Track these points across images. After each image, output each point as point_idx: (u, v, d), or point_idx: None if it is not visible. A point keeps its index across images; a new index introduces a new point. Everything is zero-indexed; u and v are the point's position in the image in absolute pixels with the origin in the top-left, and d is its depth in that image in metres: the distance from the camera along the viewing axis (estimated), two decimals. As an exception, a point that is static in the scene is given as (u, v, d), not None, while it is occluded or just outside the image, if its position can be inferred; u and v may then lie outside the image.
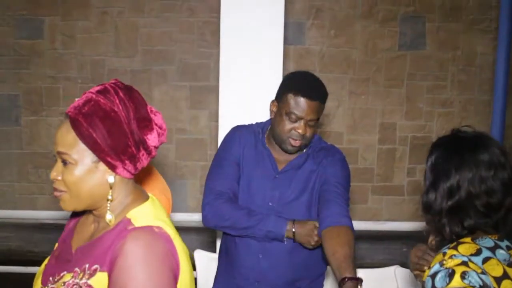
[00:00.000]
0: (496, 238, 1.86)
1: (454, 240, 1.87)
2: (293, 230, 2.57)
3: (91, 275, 1.60)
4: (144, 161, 1.67)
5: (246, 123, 2.91)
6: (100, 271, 1.59)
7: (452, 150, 1.92)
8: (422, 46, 6.17)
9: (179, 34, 6.03)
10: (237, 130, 2.82)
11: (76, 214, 1.88)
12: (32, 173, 6.07)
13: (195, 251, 3.44)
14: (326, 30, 6.12)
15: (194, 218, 4.79)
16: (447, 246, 1.84)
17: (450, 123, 6.18)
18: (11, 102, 6.01)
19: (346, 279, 2.29)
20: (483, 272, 1.72)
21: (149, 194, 1.79)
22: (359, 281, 2.34)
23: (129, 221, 1.63)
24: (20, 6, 5.99)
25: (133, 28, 6.04)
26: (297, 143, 2.61)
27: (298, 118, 2.58)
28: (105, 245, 1.62)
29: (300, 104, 2.57)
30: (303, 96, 2.57)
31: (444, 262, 1.76)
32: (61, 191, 1.66)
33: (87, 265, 1.62)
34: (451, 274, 1.72)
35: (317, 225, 2.56)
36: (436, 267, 1.77)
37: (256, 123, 2.86)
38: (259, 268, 2.68)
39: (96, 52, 6.04)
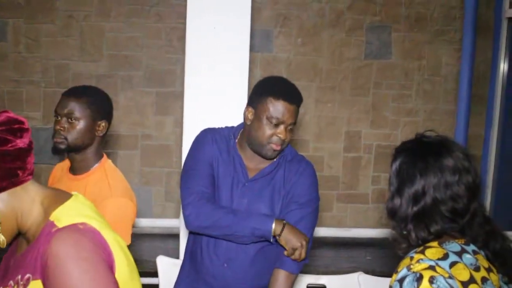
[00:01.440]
0: (463, 242, 1.85)
1: (420, 245, 1.85)
2: (281, 230, 2.52)
3: (25, 285, 1.57)
4: (19, 163, 1.60)
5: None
6: (33, 279, 1.56)
7: (417, 155, 1.92)
8: (388, 55, 6.22)
9: (146, 40, 6.00)
10: (209, 132, 2.78)
11: None
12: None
13: (158, 257, 3.42)
14: (293, 38, 6.14)
15: (158, 224, 4.77)
16: (414, 250, 1.83)
17: (414, 132, 6.16)
18: (-27, 106, 5.91)
19: None
20: (450, 277, 1.71)
21: (72, 193, 1.74)
22: None
23: (52, 224, 1.59)
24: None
25: (99, 33, 5.98)
26: (278, 148, 2.59)
27: (279, 123, 2.56)
28: (34, 253, 1.58)
29: (281, 108, 2.56)
30: (284, 100, 2.56)
31: (412, 266, 1.75)
32: None
33: (19, 276, 1.59)
34: (419, 279, 1.70)
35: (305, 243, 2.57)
36: (403, 271, 1.76)
37: (226, 127, 2.82)
38: (224, 277, 2.66)
39: (61, 56, 5.97)
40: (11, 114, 1.63)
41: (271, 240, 2.54)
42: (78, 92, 2.68)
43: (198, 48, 3.48)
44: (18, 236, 1.74)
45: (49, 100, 5.75)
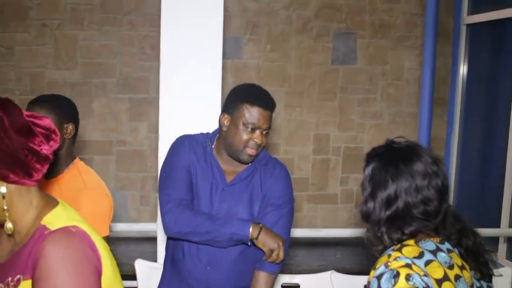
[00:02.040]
0: (438, 241, 1.86)
1: (395, 244, 1.85)
2: (258, 234, 2.52)
3: (15, 286, 1.57)
4: (36, 165, 1.63)
5: (176, 136, 2.88)
6: (23, 280, 1.56)
7: (388, 161, 1.92)
8: (353, 61, 6.26)
9: (120, 47, 5.96)
10: (186, 139, 2.74)
11: None
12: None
13: (136, 260, 3.38)
14: (262, 45, 6.16)
15: (135, 228, 4.73)
16: (391, 248, 1.83)
17: (380, 134, 6.27)
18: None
19: None
20: (426, 275, 1.72)
21: (58, 200, 1.75)
22: None
23: (44, 227, 1.60)
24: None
25: (72, 41, 5.94)
26: (253, 152, 2.59)
27: (255, 128, 2.56)
28: (25, 255, 1.59)
29: (256, 114, 2.56)
30: (259, 106, 2.57)
31: (389, 263, 1.76)
32: None
33: (9, 278, 1.59)
34: (396, 276, 1.71)
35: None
36: (381, 268, 1.76)
37: (202, 134, 2.79)
38: (207, 280, 2.65)
39: (35, 64, 5.91)
40: (51, 124, 1.68)
41: (249, 244, 2.54)
42: (41, 100, 2.66)
43: (173, 56, 3.45)
44: None
45: (24, 108, 5.67)
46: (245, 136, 2.57)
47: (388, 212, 1.87)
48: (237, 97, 2.64)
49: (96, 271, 1.58)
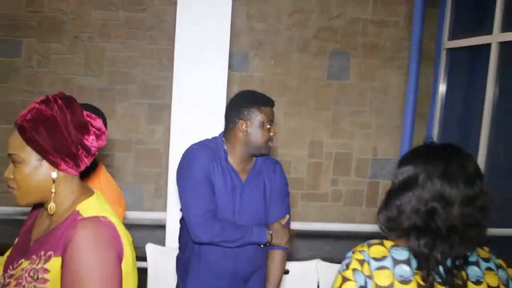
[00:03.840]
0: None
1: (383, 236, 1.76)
2: (270, 235, 2.66)
3: (47, 260, 1.59)
4: (85, 159, 1.67)
5: (195, 137, 2.86)
6: (54, 256, 1.58)
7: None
8: (346, 77, 6.27)
9: (141, 59, 5.99)
10: (202, 148, 2.68)
11: (35, 208, 1.89)
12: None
13: (147, 244, 3.40)
14: (267, 60, 6.17)
15: (148, 216, 4.75)
16: (368, 242, 1.74)
17: (367, 142, 6.30)
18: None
19: None
20: (369, 277, 1.64)
21: (94, 190, 1.78)
22: None
23: (78, 213, 1.63)
24: (0, 28, 5.85)
25: (100, 52, 5.96)
26: (271, 144, 2.70)
27: (271, 124, 2.64)
28: (58, 234, 1.61)
29: (269, 112, 2.65)
30: (268, 105, 2.65)
31: (355, 252, 1.72)
32: (13, 188, 1.67)
33: (42, 252, 1.61)
34: (348, 264, 1.69)
35: (282, 222, 2.72)
36: (350, 252, 1.74)
37: (208, 140, 2.77)
38: (234, 268, 2.70)
39: (67, 71, 5.93)
40: (102, 125, 1.73)
41: (262, 244, 2.68)
42: None
43: (185, 67, 3.51)
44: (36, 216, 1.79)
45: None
46: (266, 134, 2.63)
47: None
48: (249, 104, 2.64)
49: (118, 257, 1.60)
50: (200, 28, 3.51)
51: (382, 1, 6.22)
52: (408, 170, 1.67)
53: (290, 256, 3.03)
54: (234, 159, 2.68)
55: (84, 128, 1.65)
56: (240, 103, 2.68)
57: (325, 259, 3.63)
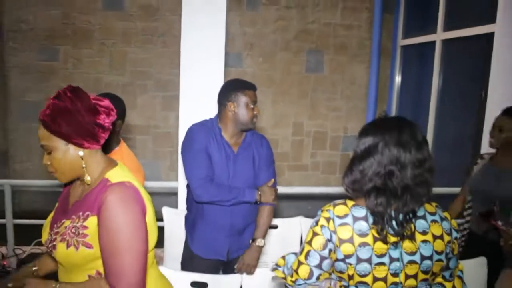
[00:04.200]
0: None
1: (348, 195, 1.70)
2: (259, 195, 2.65)
3: (85, 219, 1.60)
4: (102, 134, 1.64)
5: (198, 121, 2.86)
6: (91, 215, 1.59)
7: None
8: (321, 70, 6.28)
9: (155, 59, 5.99)
10: (199, 127, 2.69)
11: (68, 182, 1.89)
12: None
13: (163, 208, 3.41)
14: (256, 58, 6.16)
15: (164, 185, 4.75)
16: (335, 201, 1.69)
17: (339, 122, 6.32)
18: (34, 107, 5.84)
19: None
20: (334, 232, 1.61)
21: (118, 162, 1.78)
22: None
23: (107, 180, 1.64)
24: (42, 38, 5.83)
25: (123, 55, 5.95)
26: (256, 119, 2.67)
27: (254, 104, 2.62)
28: (92, 197, 1.62)
29: (251, 95, 2.61)
30: (251, 89, 2.62)
31: (322, 211, 1.67)
32: (52, 171, 1.66)
33: (81, 213, 1.62)
34: (317, 221, 1.65)
35: (269, 184, 2.69)
36: (319, 211, 1.69)
37: (206, 120, 2.75)
38: (230, 221, 2.70)
39: (96, 71, 5.93)
40: (110, 103, 1.67)
41: (252, 202, 2.65)
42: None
43: (189, 65, 3.48)
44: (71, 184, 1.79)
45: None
46: (250, 112, 2.60)
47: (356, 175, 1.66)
48: (235, 89, 2.63)
49: (142, 212, 1.61)
50: (201, 34, 3.48)
51: (348, 8, 6.20)
52: (368, 140, 1.62)
53: (277, 213, 3.03)
54: (227, 135, 2.67)
55: (94, 110, 1.61)
56: (228, 89, 2.66)
57: (307, 216, 3.63)
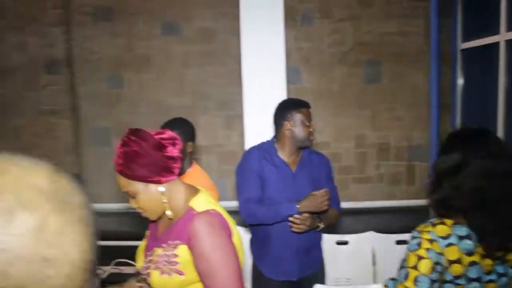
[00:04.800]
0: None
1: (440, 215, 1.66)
2: (301, 205, 2.59)
3: (175, 247, 1.65)
4: (174, 165, 1.67)
5: (264, 137, 2.90)
6: (180, 244, 1.64)
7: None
8: (380, 80, 6.22)
9: (214, 79, 6.13)
10: (254, 150, 2.76)
11: None
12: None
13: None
14: (314, 72, 6.19)
15: (232, 204, 4.83)
16: (431, 221, 1.65)
17: (402, 133, 6.21)
18: (104, 132, 6.14)
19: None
20: (441, 254, 1.58)
21: (198, 188, 1.81)
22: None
23: (192, 209, 1.68)
24: (108, 67, 6.12)
25: (183, 77, 6.14)
26: (313, 137, 2.71)
27: (309, 121, 2.66)
28: (180, 226, 1.66)
29: (306, 112, 2.68)
30: (305, 107, 2.68)
31: (422, 232, 1.63)
32: (142, 212, 1.72)
33: (170, 241, 1.68)
34: (420, 244, 1.61)
35: (314, 193, 2.59)
36: (416, 232, 1.65)
37: (262, 143, 2.82)
38: (296, 239, 2.70)
39: (159, 94, 6.15)
40: (172, 133, 1.71)
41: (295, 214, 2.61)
42: (171, 124, 2.74)
43: (251, 84, 3.56)
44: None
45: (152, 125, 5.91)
46: (306, 130, 2.65)
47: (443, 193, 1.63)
48: (289, 108, 2.70)
49: (228, 236, 1.65)
50: (261, 52, 3.56)
51: (403, 16, 6.15)
52: (456, 155, 1.59)
53: (344, 229, 3.01)
54: (284, 154, 2.71)
55: (160, 145, 1.63)
56: (283, 108, 2.72)
57: (375, 230, 3.60)
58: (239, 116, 5.82)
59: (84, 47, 6.11)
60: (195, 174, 2.70)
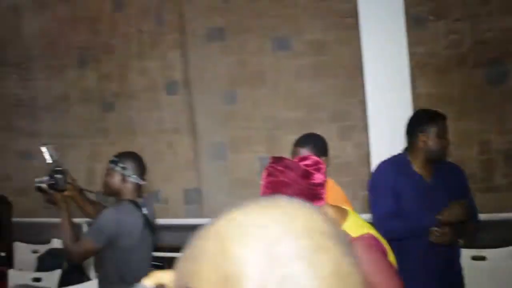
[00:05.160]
0: None
1: None
2: (440, 216, 2.54)
3: None
4: (322, 191, 1.66)
5: (391, 150, 2.88)
6: None
7: None
8: (505, 81, 5.81)
9: (328, 90, 6.13)
10: (387, 165, 2.76)
11: None
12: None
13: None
14: (430, 78, 5.94)
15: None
16: None
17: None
18: (220, 146, 6.39)
19: None
20: None
21: (347, 209, 1.80)
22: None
23: (347, 234, 1.67)
24: (223, 84, 6.37)
25: (296, 90, 6.23)
26: (448, 151, 2.76)
27: (445, 134, 2.64)
28: None
29: (441, 124, 2.68)
30: (441, 118, 2.63)
31: None
32: None
33: None
34: None
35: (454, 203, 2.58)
36: None
37: (393, 156, 2.80)
38: (433, 258, 2.67)
39: (272, 109, 6.29)
40: (315, 158, 1.71)
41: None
42: (303, 141, 2.87)
43: (375, 94, 3.53)
44: None
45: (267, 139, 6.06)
46: (443, 143, 2.62)
47: None
48: (425, 119, 2.66)
49: (385, 255, 1.68)
50: (383, 60, 3.53)
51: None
52: None
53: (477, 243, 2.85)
54: (417, 166, 2.68)
55: (307, 174, 1.63)
56: (418, 120, 2.74)
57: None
58: (354, 127, 5.76)
59: (199, 67, 6.42)
60: (329, 187, 2.71)
